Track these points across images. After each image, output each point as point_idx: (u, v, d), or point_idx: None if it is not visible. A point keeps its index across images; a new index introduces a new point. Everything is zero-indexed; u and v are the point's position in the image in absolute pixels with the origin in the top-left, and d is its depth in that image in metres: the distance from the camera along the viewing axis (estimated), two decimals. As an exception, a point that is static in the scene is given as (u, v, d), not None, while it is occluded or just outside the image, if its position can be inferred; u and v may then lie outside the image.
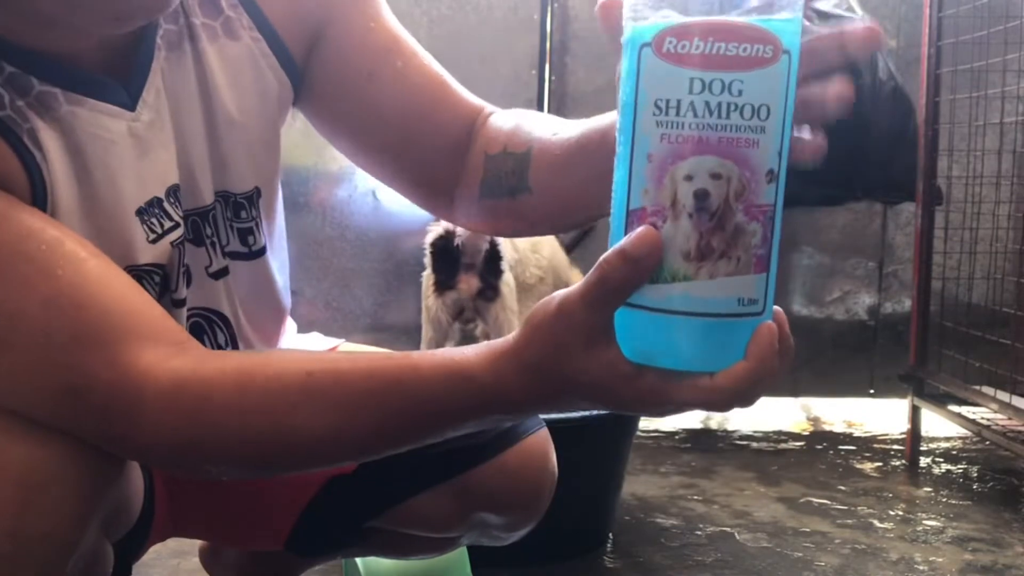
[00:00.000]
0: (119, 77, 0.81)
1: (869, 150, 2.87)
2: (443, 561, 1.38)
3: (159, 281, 0.87)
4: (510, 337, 0.67)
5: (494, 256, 2.40)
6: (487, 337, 2.49)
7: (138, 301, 0.76)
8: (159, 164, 0.85)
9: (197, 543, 1.40)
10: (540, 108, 3.03)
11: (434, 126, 0.96)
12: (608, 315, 0.59)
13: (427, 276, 2.43)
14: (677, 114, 0.54)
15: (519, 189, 0.91)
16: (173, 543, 1.81)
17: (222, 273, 0.95)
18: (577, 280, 1.67)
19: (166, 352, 0.73)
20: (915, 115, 2.70)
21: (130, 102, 0.82)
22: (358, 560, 1.42)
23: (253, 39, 0.90)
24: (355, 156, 1.00)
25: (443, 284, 2.38)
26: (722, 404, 0.60)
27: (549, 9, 3.01)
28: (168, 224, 0.86)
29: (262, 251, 0.97)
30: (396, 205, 2.97)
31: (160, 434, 0.73)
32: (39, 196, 0.77)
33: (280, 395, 0.72)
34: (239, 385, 0.73)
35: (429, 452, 0.82)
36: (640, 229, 0.55)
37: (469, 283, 2.39)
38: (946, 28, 2.50)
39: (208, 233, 0.92)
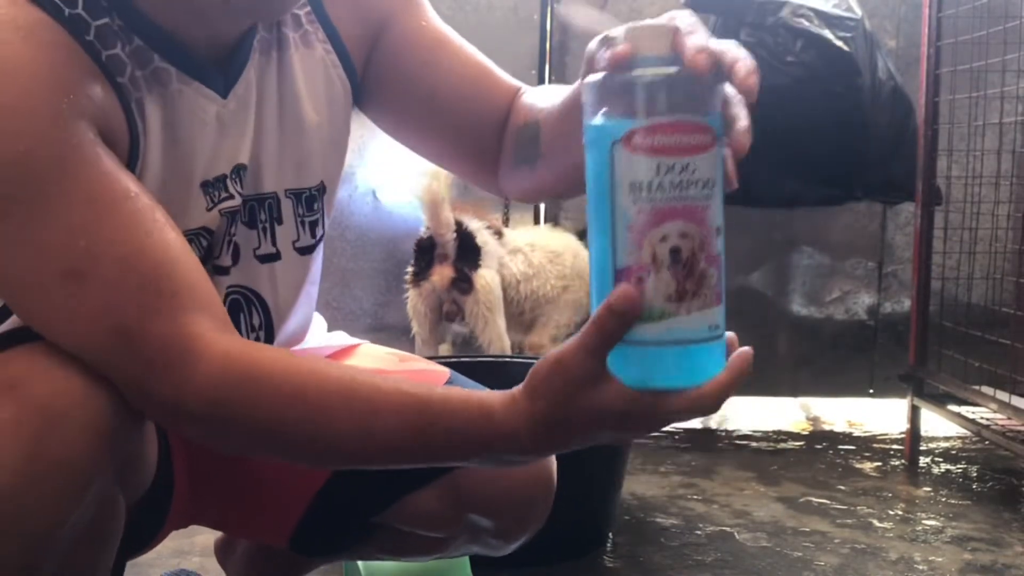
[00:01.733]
0: (220, 68, 0.92)
1: (869, 150, 2.88)
2: (444, 562, 1.38)
3: (205, 245, 0.95)
4: (521, 386, 0.76)
5: (468, 248, 2.46)
6: (472, 334, 2.54)
7: (204, 278, 0.83)
8: (233, 146, 0.94)
9: (197, 544, 1.41)
10: (540, 108, 3.03)
11: (483, 107, 1.07)
12: (604, 357, 0.72)
13: (408, 272, 2.54)
14: (649, 192, 0.69)
15: (536, 155, 1.01)
16: (174, 543, 1.81)
17: (269, 258, 1.02)
18: None
19: (219, 325, 0.81)
20: (914, 115, 2.70)
21: (224, 91, 0.92)
22: (359, 561, 1.42)
23: (325, 50, 1.02)
24: (417, 143, 1.11)
25: (418, 275, 2.50)
26: (709, 408, 0.72)
27: (549, 9, 3.01)
28: (224, 195, 0.95)
29: (320, 240, 1.07)
30: (396, 205, 2.97)
31: (199, 395, 0.78)
32: (133, 160, 0.85)
33: (320, 391, 0.79)
34: (286, 373, 0.79)
35: None
36: (621, 288, 0.70)
37: (442, 273, 2.47)
38: (945, 28, 2.50)
39: (263, 219, 1.01)
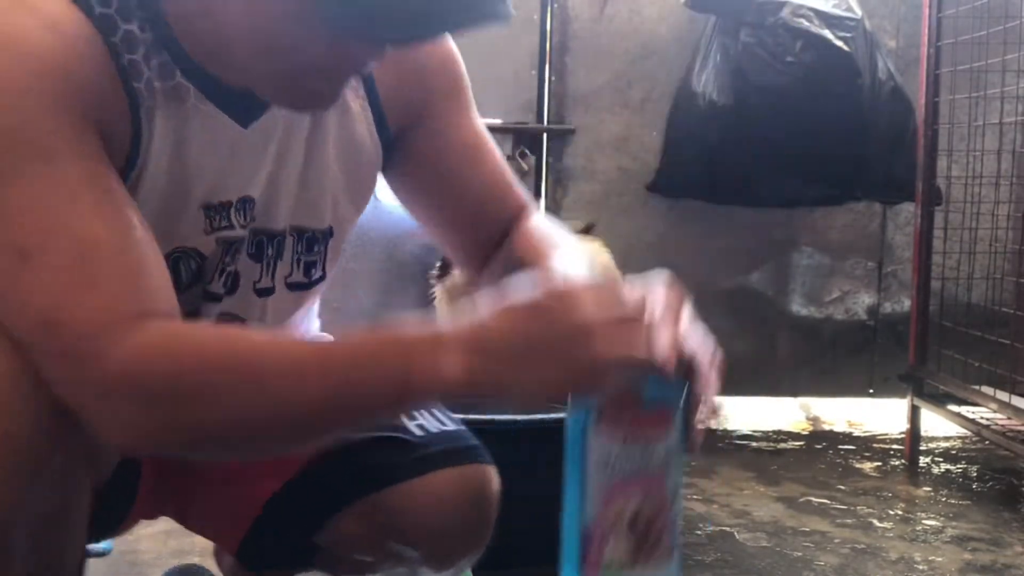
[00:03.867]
0: (245, 99, 0.90)
1: (869, 150, 2.88)
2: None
3: (194, 268, 0.94)
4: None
5: None
6: None
7: (163, 289, 0.82)
8: (244, 176, 0.94)
9: (198, 544, 1.41)
10: (540, 108, 3.03)
11: (492, 213, 1.11)
12: None
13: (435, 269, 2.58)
14: (613, 467, 0.80)
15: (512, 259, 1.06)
16: (175, 543, 1.81)
17: (266, 292, 1.02)
18: None
19: (165, 319, 0.80)
20: (914, 115, 2.70)
21: (244, 120, 0.91)
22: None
23: (362, 106, 1.02)
24: (422, 219, 1.15)
25: (443, 270, 2.52)
26: None
27: (549, 9, 3.01)
28: (224, 223, 0.94)
29: (318, 281, 1.07)
30: (397, 205, 2.97)
31: (114, 372, 0.74)
32: (130, 165, 0.84)
33: (251, 347, 0.79)
34: (213, 336, 0.81)
35: (354, 466, 1.03)
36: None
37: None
38: (945, 28, 2.50)
39: (269, 254, 1.00)
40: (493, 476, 1.11)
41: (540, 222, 1.13)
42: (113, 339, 0.75)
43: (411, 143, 1.07)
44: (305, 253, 1.03)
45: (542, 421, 1.87)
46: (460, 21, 0.82)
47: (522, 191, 1.15)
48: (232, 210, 0.94)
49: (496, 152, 1.13)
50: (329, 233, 1.04)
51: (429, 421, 1.12)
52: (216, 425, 0.78)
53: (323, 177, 1.00)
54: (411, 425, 1.09)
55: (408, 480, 1.07)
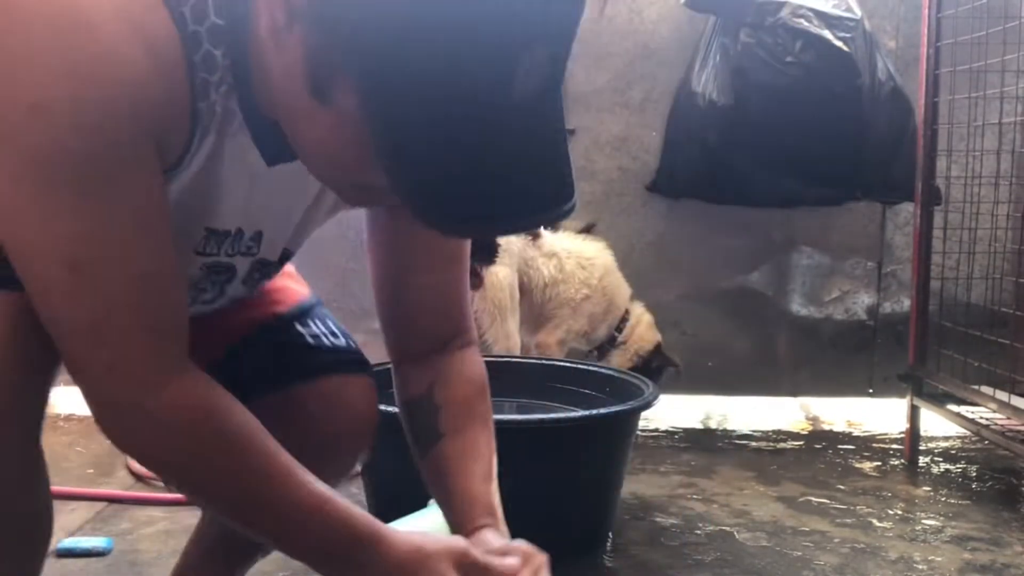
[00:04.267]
0: (279, 141, 0.89)
1: (868, 150, 2.88)
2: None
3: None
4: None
5: (483, 245, 2.44)
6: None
7: (185, 317, 0.87)
8: (258, 212, 0.97)
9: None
10: (540, 108, 3.03)
11: (434, 321, 1.12)
12: None
13: None
14: None
15: (432, 433, 1.10)
16: (174, 543, 1.81)
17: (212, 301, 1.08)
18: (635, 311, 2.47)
19: (186, 362, 0.86)
20: (914, 115, 2.71)
21: (272, 161, 0.92)
22: None
23: None
24: (371, 268, 1.14)
25: None
26: None
27: (549, 9, 3.01)
28: (213, 251, 0.97)
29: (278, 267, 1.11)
30: (396, 205, 2.97)
31: (166, 413, 0.84)
32: (169, 174, 0.86)
33: (273, 485, 0.88)
34: (249, 444, 0.88)
35: (254, 365, 1.12)
36: None
37: None
38: (945, 28, 2.50)
39: (256, 277, 1.07)
40: (374, 387, 1.23)
41: (462, 383, 1.12)
42: (158, 381, 0.83)
43: (396, 216, 1.07)
44: (259, 277, 1.08)
45: (541, 421, 1.88)
46: (519, 227, 0.84)
47: (470, 320, 1.16)
48: (229, 239, 0.97)
49: (466, 267, 1.14)
50: (287, 256, 1.10)
51: (323, 333, 1.22)
52: (196, 488, 0.91)
53: (318, 213, 1.05)
54: (307, 335, 1.21)
55: (303, 382, 1.17)
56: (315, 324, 1.23)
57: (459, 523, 1.05)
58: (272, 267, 1.08)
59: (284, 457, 0.89)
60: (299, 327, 1.21)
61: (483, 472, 1.07)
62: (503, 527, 1.05)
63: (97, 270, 0.79)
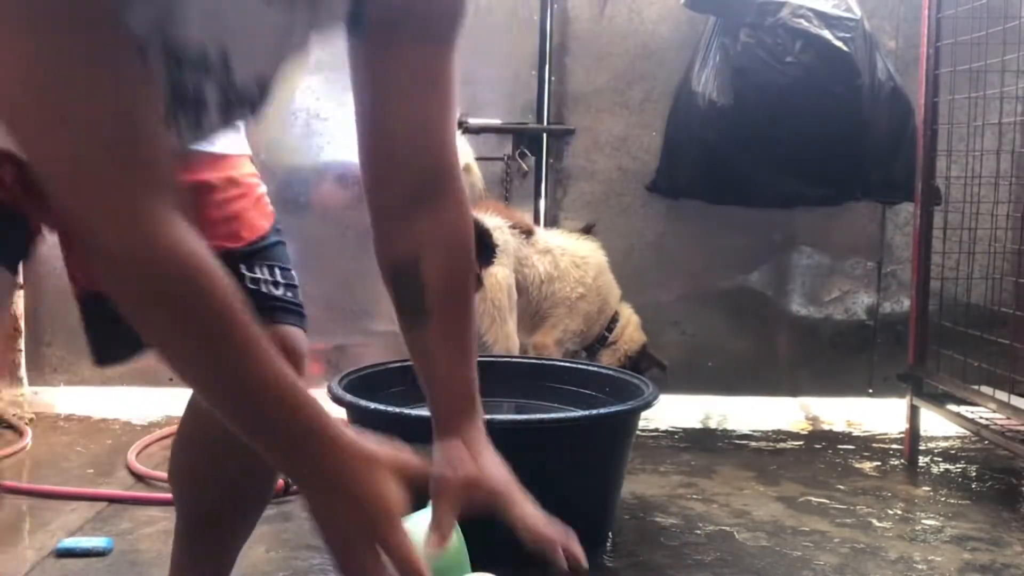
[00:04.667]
0: None
1: (868, 150, 2.88)
2: (443, 561, 1.38)
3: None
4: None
5: (481, 245, 2.44)
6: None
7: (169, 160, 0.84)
8: (223, 21, 0.91)
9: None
10: (540, 108, 3.04)
11: (413, 155, 1.06)
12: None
13: None
14: None
15: (419, 308, 1.09)
16: (174, 542, 1.81)
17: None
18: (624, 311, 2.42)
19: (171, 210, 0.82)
20: (914, 115, 2.71)
21: None
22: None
23: None
24: (355, 107, 1.07)
25: None
26: None
27: (549, 10, 3.01)
28: (173, 66, 0.92)
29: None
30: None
31: (142, 262, 0.80)
32: None
33: (245, 335, 0.83)
34: (219, 300, 0.83)
35: None
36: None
37: None
38: (945, 29, 2.50)
39: (235, 112, 1.00)
40: (303, 339, 1.24)
41: (445, 235, 1.09)
42: (148, 222, 0.79)
43: (381, 29, 1.01)
44: (255, 102, 1.02)
45: (541, 421, 1.88)
46: None
47: (454, 159, 1.10)
48: (192, 60, 0.92)
49: (451, 101, 1.07)
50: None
51: (265, 279, 1.23)
52: (174, 335, 0.85)
53: (292, 38, 0.99)
54: (248, 278, 1.20)
55: None
56: (260, 269, 1.22)
57: (438, 407, 1.07)
58: (248, 101, 1.01)
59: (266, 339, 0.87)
60: (243, 268, 1.20)
61: (464, 356, 1.09)
62: (479, 410, 1.08)
63: (63, 99, 0.77)
